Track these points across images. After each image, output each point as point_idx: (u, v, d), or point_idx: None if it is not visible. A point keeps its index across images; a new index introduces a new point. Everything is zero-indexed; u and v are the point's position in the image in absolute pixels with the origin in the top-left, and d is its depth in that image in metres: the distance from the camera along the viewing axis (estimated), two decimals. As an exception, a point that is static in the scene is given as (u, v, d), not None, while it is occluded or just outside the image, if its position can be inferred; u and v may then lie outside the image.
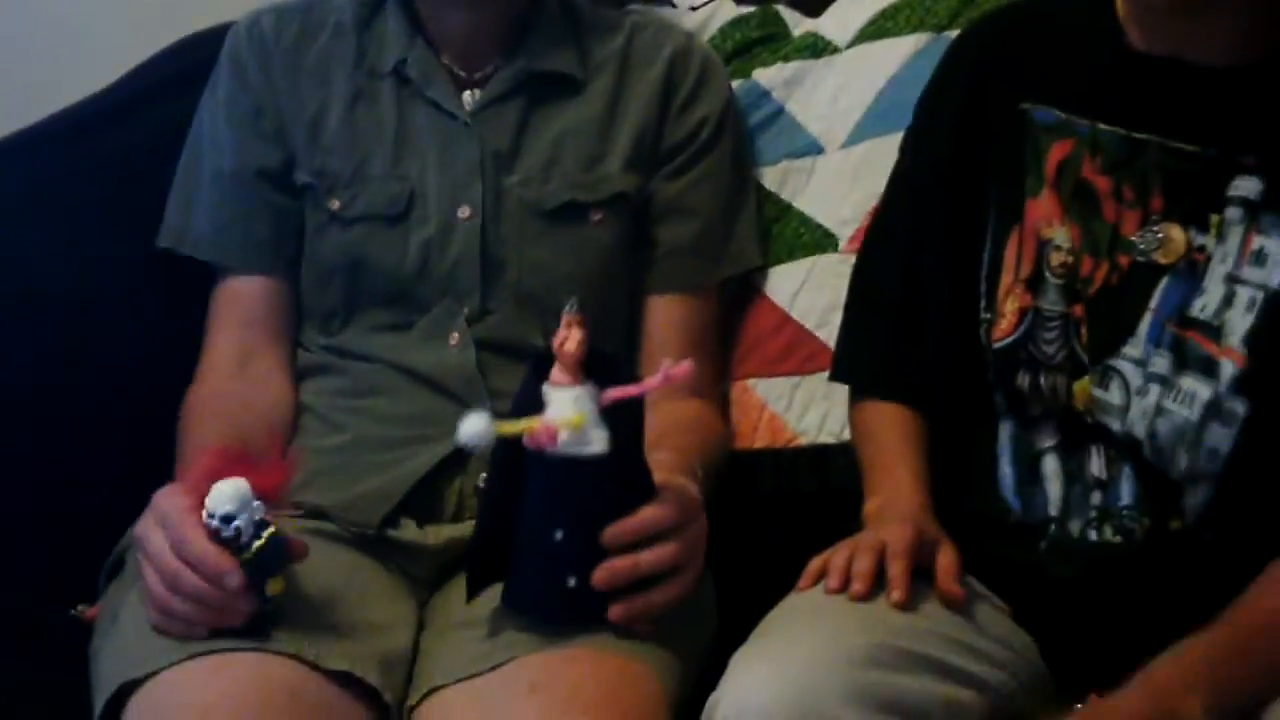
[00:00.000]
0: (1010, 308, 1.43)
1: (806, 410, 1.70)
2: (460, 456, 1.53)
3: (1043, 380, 1.42)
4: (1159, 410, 1.37)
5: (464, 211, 1.61)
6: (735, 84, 1.81)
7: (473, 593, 1.42)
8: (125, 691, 1.34)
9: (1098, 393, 1.39)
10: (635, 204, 1.65)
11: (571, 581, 1.35)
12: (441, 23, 1.64)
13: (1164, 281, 1.38)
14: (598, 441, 1.32)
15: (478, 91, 1.64)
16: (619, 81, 1.66)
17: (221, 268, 1.66)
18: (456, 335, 1.59)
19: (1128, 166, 1.40)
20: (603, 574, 1.34)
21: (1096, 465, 1.40)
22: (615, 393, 1.33)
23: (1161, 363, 1.38)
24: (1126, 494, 1.39)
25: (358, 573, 1.46)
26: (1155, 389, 1.38)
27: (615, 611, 1.35)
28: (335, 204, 1.62)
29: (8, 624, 1.51)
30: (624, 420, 1.34)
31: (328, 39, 1.66)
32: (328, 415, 1.60)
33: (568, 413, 1.32)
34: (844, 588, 1.32)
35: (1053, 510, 1.41)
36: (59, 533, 1.59)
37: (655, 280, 1.66)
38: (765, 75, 1.82)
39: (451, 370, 1.57)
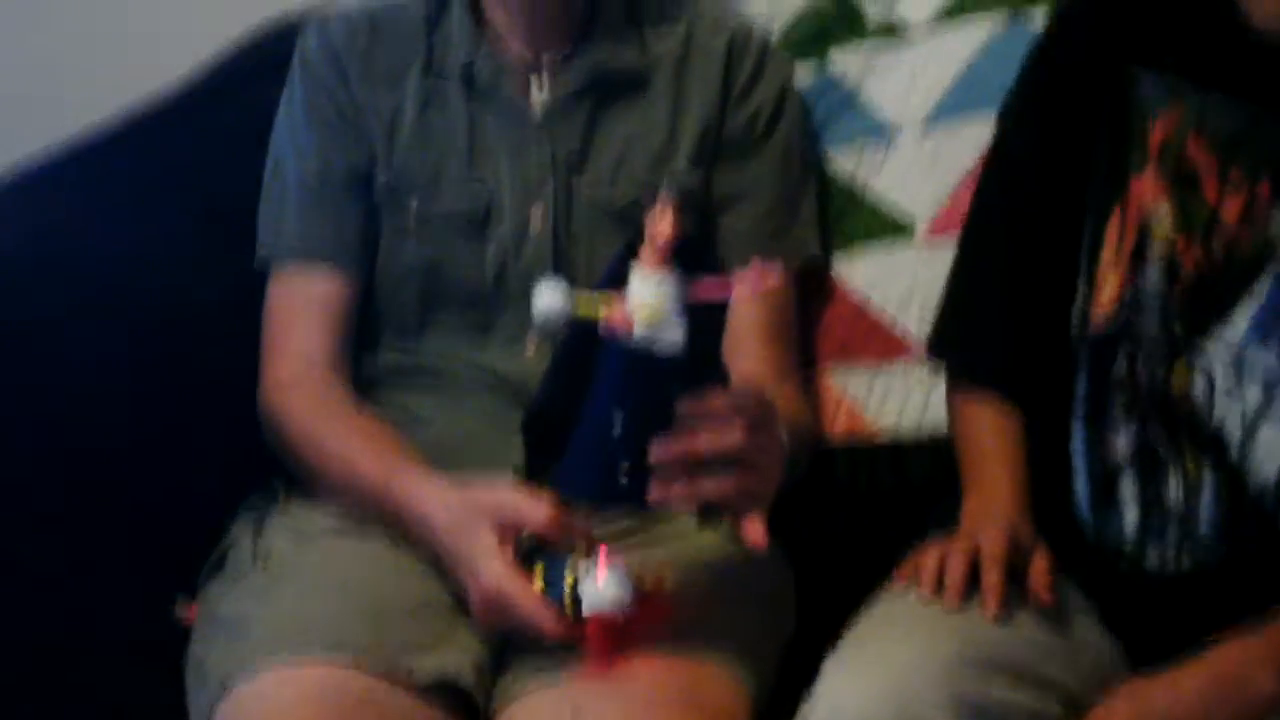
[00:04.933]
0: (1110, 285, 1.41)
1: (885, 400, 1.70)
2: None
3: (1140, 364, 1.40)
4: (1265, 413, 1.35)
5: (536, 215, 1.61)
6: (810, 70, 1.80)
7: (530, 470, 1.42)
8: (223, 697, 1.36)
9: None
10: (701, 197, 1.64)
11: (624, 475, 1.32)
12: (507, 21, 1.64)
13: (1269, 278, 1.36)
14: (674, 337, 1.29)
15: (545, 91, 1.63)
16: (681, 76, 1.66)
17: (306, 267, 1.65)
18: (533, 344, 1.59)
19: (1237, 148, 1.36)
20: (657, 452, 1.31)
21: (1175, 492, 1.38)
22: (702, 290, 1.29)
23: (1267, 364, 1.35)
24: (1205, 523, 1.37)
25: (445, 578, 1.47)
26: (1257, 390, 1.36)
27: (656, 490, 1.32)
28: (413, 207, 1.62)
29: (105, 622, 1.53)
30: (706, 320, 1.31)
31: (396, 43, 1.66)
32: (407, 411, 1.61)
33: (647, 300, 1.28)
34: (934, 593, 1.32)
35: (1128, 539, 1.40)
36: (157, 531, 1.60)
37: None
38: (841, 60, 1.81)
39: (530, 378, 1.56)
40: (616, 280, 1.30)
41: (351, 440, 1.55)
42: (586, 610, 1.35)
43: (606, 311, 1.28)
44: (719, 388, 1.35)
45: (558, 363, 1.40)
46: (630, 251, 1.31)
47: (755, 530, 1.35)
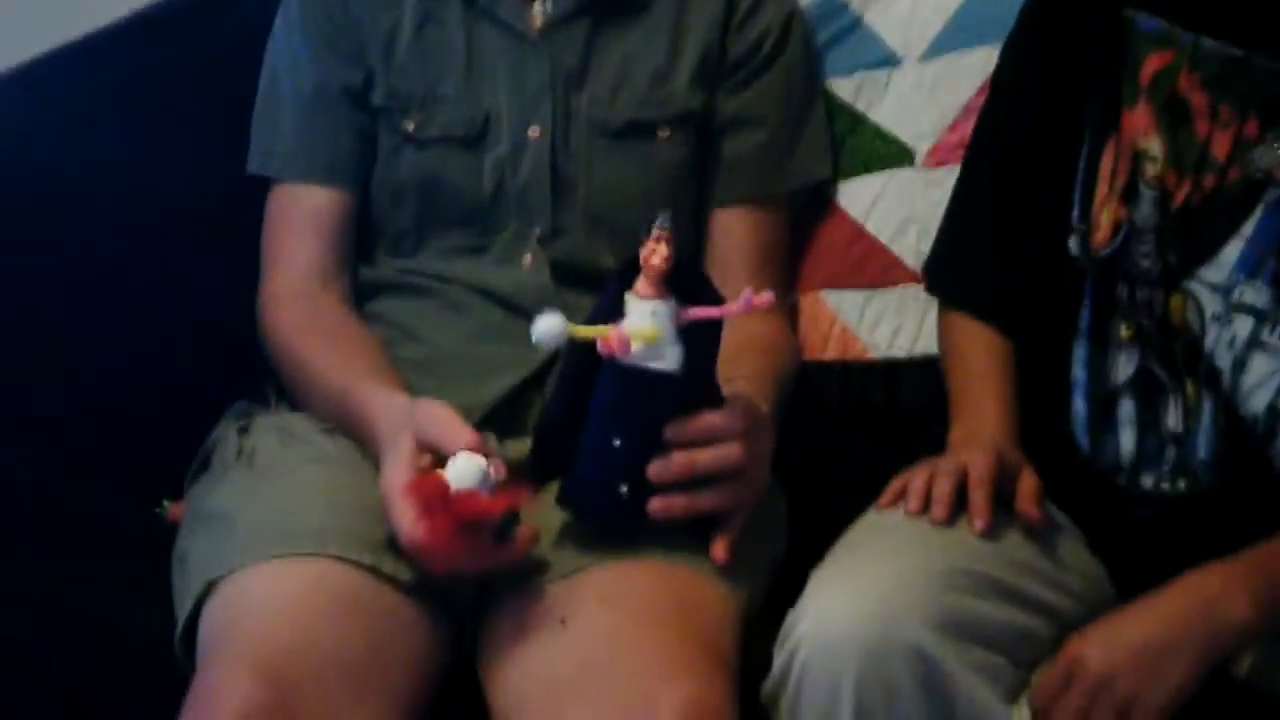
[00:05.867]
0: (1105, 219, 1.42)
1: (878, 324, 1.70)
2: (542, 375, 1.54)
3: (1139, 293, 1.41)
4: (1256, 343, 1.37)
5: (534, 131, 1.60)
6: (813, -1, 1.79)
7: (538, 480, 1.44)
8: (208, 592, 1.37)
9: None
10: (701, 120, 1.64)
11: (624, 489, 1.36)
12: None
13: (1259, 210, 1.37)
14: (671, 357, 1.33)
15: (546, 6, 1.62)
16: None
17: (302, 182, 1.64)
18: (529, 257, 1.60)
19: (1228, 84, 1.38)
20: (657, 468, 1.35)
21: (1174, 417, 1.39)
22: (696, 313, 1.33)
23: (1257, 295, 1.37)
24: (1203, 447, 1.38)
25: None
26: (1247, 320, 1.37)
27: (655, 504, 1.35)
28: (410, 126, 1.62)
29: (92, 522, 1.52)
30: (701, 340, 1.35)
31: None
32: (402, 325, 1.61)
33: (644, 325, 1.32)
34: (923, 510, 1.33)
35: (1125, 461, 1.41)
36: (144, 431, 1.59)
37: (721, 193, 1.66)
38: (845, -13, 1.80)
39: (526, 289, 1.57)
40: (610, 312, 1.34)
41: (325, 352, 1.54)
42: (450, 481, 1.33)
43: (604, 336, 1.32)
44: (714, 404, 1.38)
45: (561, 383, 1.43)
46: (620, 283, 1.34)
47: (720, 551, 1.39)
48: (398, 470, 1.36)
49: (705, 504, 1.37)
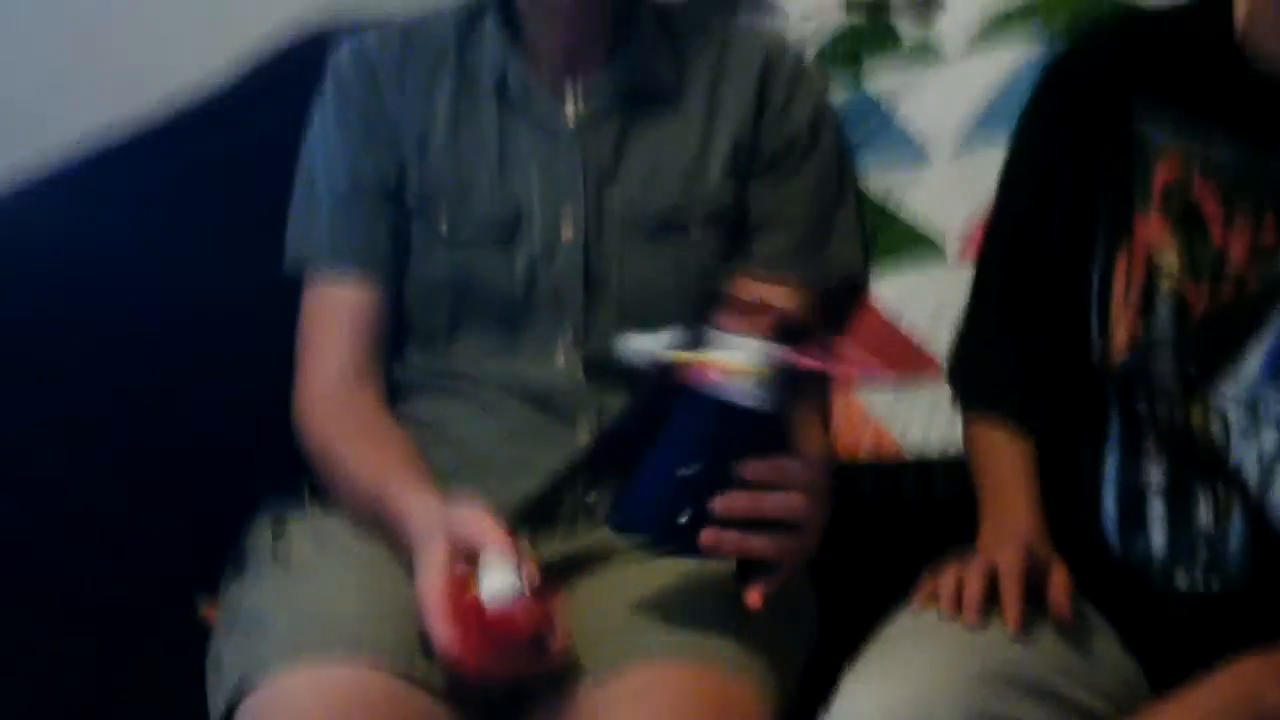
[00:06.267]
0: (1123, 328, 1.42)
1: (911, 421, 1.71)
2: (574, 474, 1.54)
3: (1159, 407, 1.41)
4: None
5: (566, 230, 1.61)
6: (845, 94, 1.81)
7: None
8: (242, 695, 1.37)
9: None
10: (733, 216, 1.65)
11: (684, 518, 1.35)
12: (542, 33, 1.64)
13: (1277, 319, 1.37)
14: (764, 396, 1.33)
15: (578, 103, 1.64)
16: (715, 93, 1.65)
17: (338, 277, 1.66)
18: (562, 355, 1.60)
19: (1242, 191, 1.37)
20: (724, 503, 1.35)
21: (1205, 515, 1.39)
22: (804, 361, 1.33)
23: None
24: (1235, 545, 1.38)
25: None
26: (1274, 433, 1.36)
27: (707, 536, 1.35)
28: (443, 225, 1.63)
29: (127, 620, 1.54)
30: (794, 387, 1.35)
31: (429, 56, 1.66)
32: (434, 426, 1.61)
33: (748, 360, 1.32)
34: (955, 610, 1.32)
35: (1157, 560, 1.40)
36: (178, 528, 1.61)
37: None
38: (875, 85, 1.82)
39: (559, 388, 1.58)
40: (694, 343, 1.35)
41: (359, 452, 1.55)
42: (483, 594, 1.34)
43: (700, 363, 1.32)
44: (789, 452, 1.38)
45: (636, 405, 1.45)
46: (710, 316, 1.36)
47: (755, 598, 1.38)
48: (431, 576, 1.36)
49: (756, 547, 1.36)
